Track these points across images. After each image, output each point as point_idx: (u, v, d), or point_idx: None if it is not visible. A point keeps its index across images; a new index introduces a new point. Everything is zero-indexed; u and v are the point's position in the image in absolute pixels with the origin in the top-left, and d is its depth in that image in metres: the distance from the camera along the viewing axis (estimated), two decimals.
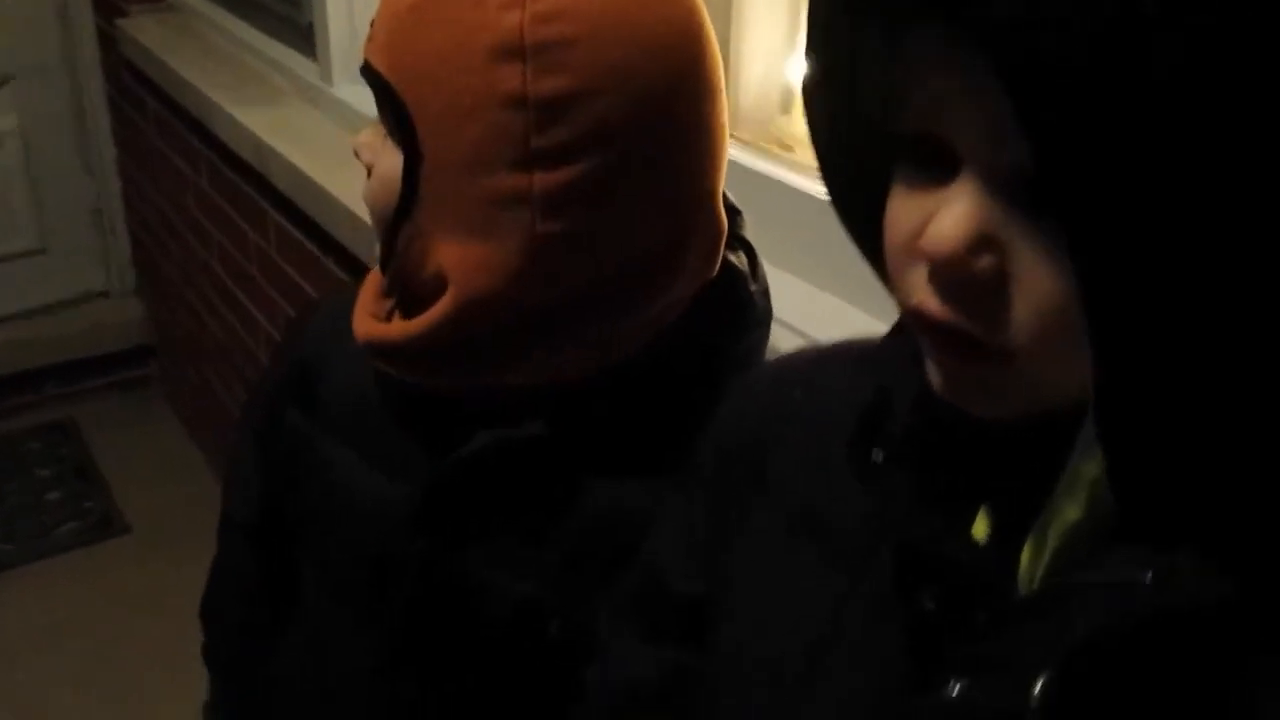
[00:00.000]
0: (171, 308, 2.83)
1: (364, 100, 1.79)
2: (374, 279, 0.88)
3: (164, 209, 2.66)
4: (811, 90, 0.57)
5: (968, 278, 0.47)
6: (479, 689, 0.90)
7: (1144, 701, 0.48)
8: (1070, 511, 0.50)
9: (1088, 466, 0.49)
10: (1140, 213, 0.41)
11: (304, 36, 1.95)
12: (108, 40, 2.71)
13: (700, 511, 0.74)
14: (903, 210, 0.52)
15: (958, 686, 0.51)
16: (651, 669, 0.76)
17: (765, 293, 0.89)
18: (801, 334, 1.05)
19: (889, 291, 0.56)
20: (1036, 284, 0.47)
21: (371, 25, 0.81)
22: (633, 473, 0.84)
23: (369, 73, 0.79)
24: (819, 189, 1.13)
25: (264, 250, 2.05)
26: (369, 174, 0.83)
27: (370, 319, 0.85)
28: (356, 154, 0.84)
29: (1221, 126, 0.40)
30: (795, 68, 1.30)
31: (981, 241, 0.47)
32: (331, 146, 1.75)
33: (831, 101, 0.57)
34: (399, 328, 0.83)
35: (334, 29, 1.82)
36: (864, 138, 0.56)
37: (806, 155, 1.22)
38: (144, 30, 2.41)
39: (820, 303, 1.13)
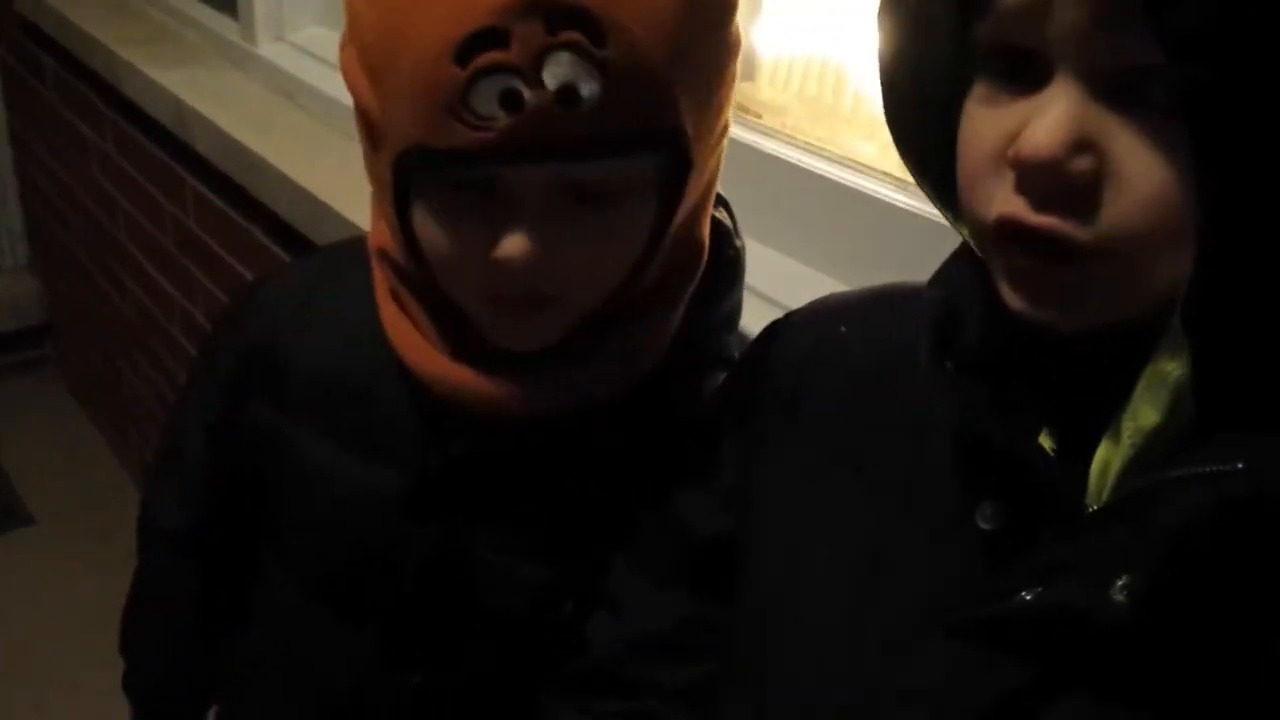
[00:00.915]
0: (71, 284, 2.67)
1: (290, 61, 1.72)
2: (416, 316, 0.78)
3: (63, 178, 2.51)
4: (883, 12, 0.57)
5: (1065, 180, 0.48)
6: (489, 676, 0.86)
7: (1236, 592, 0.49)
8: (1147, 415, 0.49)
9: (1169, 367, 0.48)
10: (1263, 105, 0.42)
11: None
12: None
13: (729, 454, 0.73)
14: (984, 122, 0.52)
15: (1030, 595, 0.52)
16: (667, 619, 0.75)
17: (743, 250, 0.86)
18: (769, 300, 1.03)
19: (949, 219, 0.56)
20: (1137, 182, 0.47)
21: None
22: (637, 449, 0.81)
23: (624, 141, 0.66)
24: (789, 154, 1.11)
25: (181, 221, 1.93)
26: (535, 268, 0.68)
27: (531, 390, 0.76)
28: (511, 266, 0.67)
29: None
30: (759, 33, 1.26)
31: (1081, 142, 0.47)
32: (258, 109, 1.65)
33: (906, 22, 0.57)
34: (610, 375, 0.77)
35: None
36: (936, 56, 0.56)
37: (773, 121, 1.18)
38: None
39: (787, 269, 1.10)
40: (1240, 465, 0.46)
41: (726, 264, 0.83)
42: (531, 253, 0.66)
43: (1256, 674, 0.49)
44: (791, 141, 1.14)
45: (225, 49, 1.82)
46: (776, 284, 1.05)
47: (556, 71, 0.61)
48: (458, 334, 0.76)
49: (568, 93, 0.61)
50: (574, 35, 0.60)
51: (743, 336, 0.89)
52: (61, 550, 2.35)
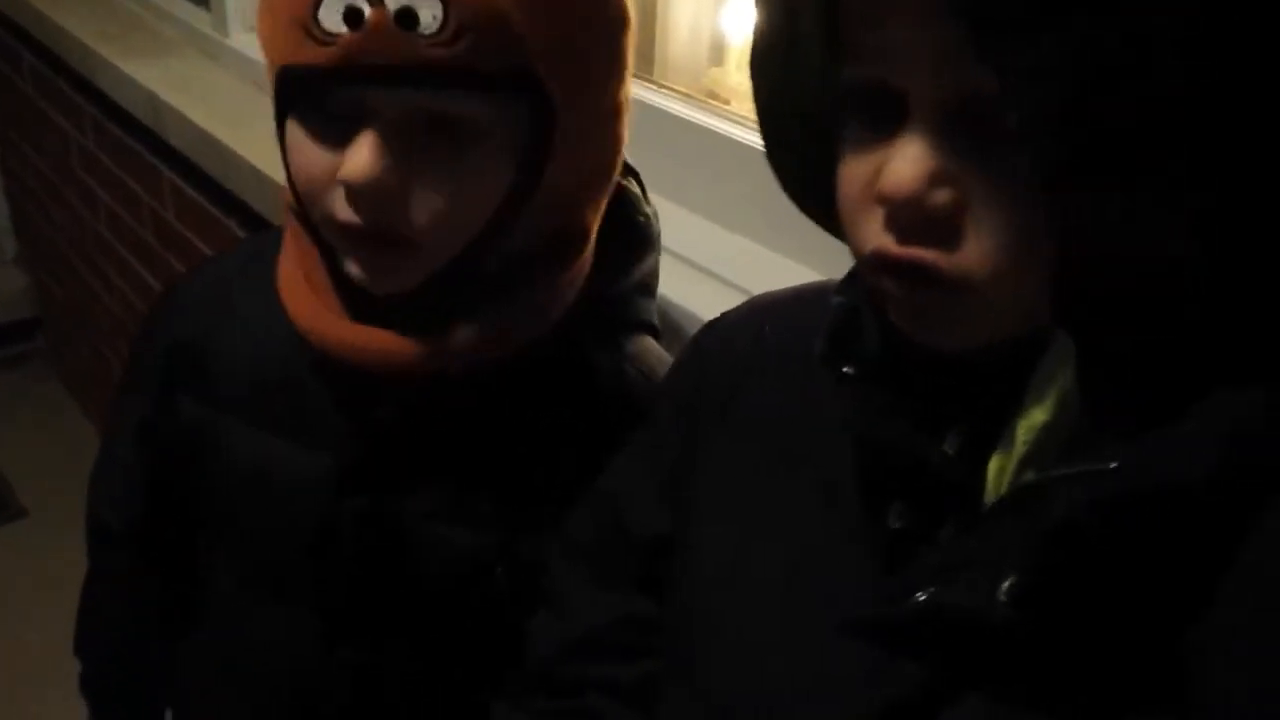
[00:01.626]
0: (58, 277, 2.68)
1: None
2: (315, 278, 0.79)
3: (45, 172, 2.51)
4: (756, 59, 0.59)
5: (926, 214, 0.50)
6: (430, 645, 0.87)
7: (1123, 588, 0.50)
8: (1037, 415, 0.52)
9: (1056, 369, 0.51)
10: (1103, 133, 0.43)
11: None
12: None
13: (664, 453, 0.74)
14: (855, 164, 0.54)
15: (924, 595, 0.53)
16: (608, 618, 0.76)
17: (655, 216, 0.87)
18: (736, 287, 1.04)
19: (850, 247, 0.57)
20: (993, 213, 0.49)
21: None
22: (556, 412, 0.82)
23: (468, 75, 0.67)
24: (753, 140, 1.12)
25: (159, 213, 1.93)
26: (373, 200, 0.69)
27: (380, 334, 0.76)
28: (360, 189, 0.69)
29: (1181, 39, 0.41)
30: (728, 18, 1.26)
31: (937, 176, 0.49)
32: (231, 101, 1.65)
33: (776, 68, 0.59)
34: (472, 336, 0.76)
35: None
36: (808, 100, 0.58)
37: (742, 108, 1.18)
38: None
39: (753, 254, 1.11)
40: (1114, 464, 0.47)
41: (636, 229, 0.85)
42: (373, 171, 0.67)
43: (1140, 671, 0.50)
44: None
45: (198, 41, 1.82)
46: (742, 270, 1.06)
47: None
48: (349, 293, 0.77)
49: (406, 13, 0.63)
50: None
51: (668, 305, 0.93)
52: (54, 543, 2.33)
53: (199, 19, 1.83)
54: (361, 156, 0.67)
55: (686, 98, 1.21)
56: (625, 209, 0.84)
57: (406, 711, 0.88)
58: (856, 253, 0.55)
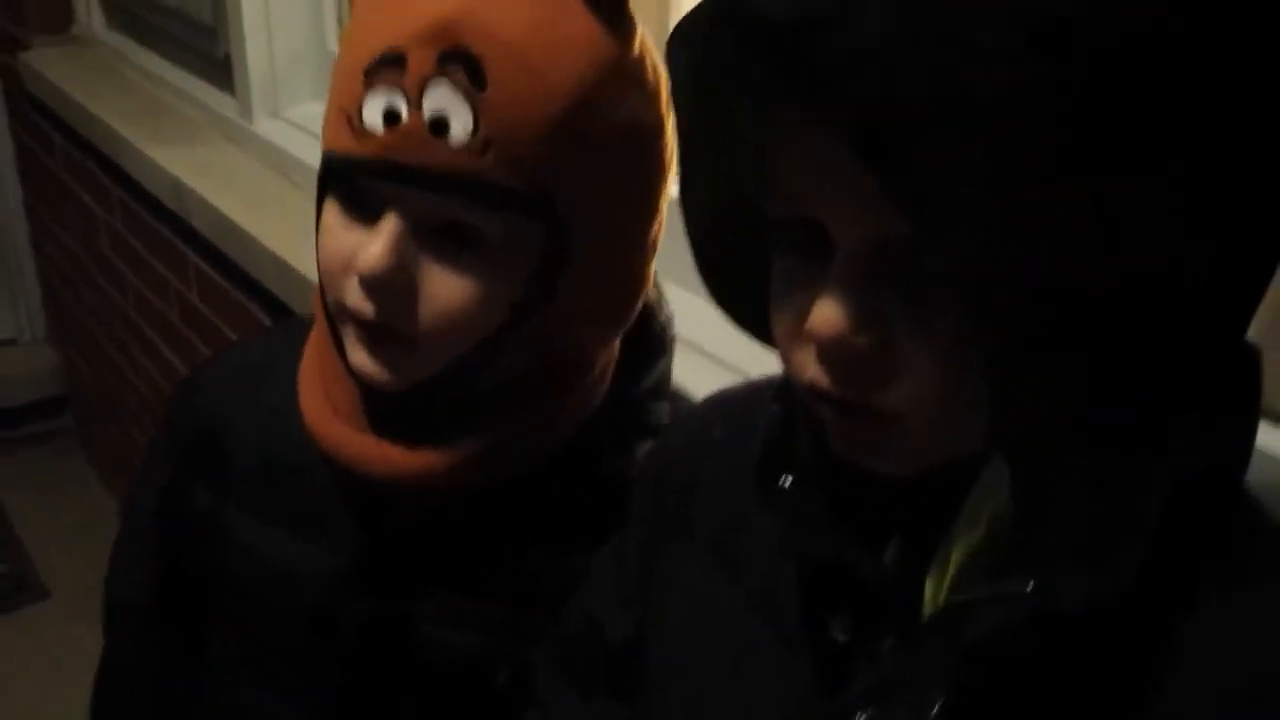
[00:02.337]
0: (86, 356, 2.69)
1: (285, 137, 1.73)
2: (338, 382, 0.80)
3: (75, 252, 2.53)
4: (687, 181, 0.60)
5: (854, 355, 0.50)
6: None
7: (1045, 703, 0.51)
8: (971, 536, 0.53)
9: (989, 497, 0.52)
10: (1018, 265, 0.44)
11: (220, 69, 1.85)
12: (10, 74, 2.57)
13: (631, 554, 0.76)
14: (785, 297, 0.55)
15: (862, 715, 0.53)
16: None
17: (671, 320, 0.89)
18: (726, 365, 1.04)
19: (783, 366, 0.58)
20: (918, 351, 0.49)
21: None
22: (566, 521, 0.83)
23: (489, 188, 0.68)
24: None
25: (184, 296, 1.94)
26: (382, 292, 0.71)
27: (373, 441, 0.78)
28: (371, 279, 0.70)
29: (1085, 188, 0.43)
30: None
31: (861, 319, 0.50)
32: (254, 186, 1.65)
33: (706, 193, 0.60)
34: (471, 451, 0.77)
35: (253, 62, 1.73)
36: (741, 225, 0.59)
37: None
38: (49, 64, 2.29)
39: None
40: (1030, 587, 0.48)
41: (654, 337, 0.86)
42: (385, 263, 0.69)
43: None
44: None
45: (223, 125, 1.84)
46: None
47: (434, 100, 0.66)
48: (362, 394, 0.78)
49: (439, 121, 0.66)
50: (457, 73, 0.66)
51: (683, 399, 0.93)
52: (76, 623, 2.34)
53: (224, 104, 1.85)
54: (376, 248, 0.69)
55: None
56: (644, 315, 0.85)
57: None
58: (793, 378, 0.56)
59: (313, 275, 1.42)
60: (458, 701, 0.84)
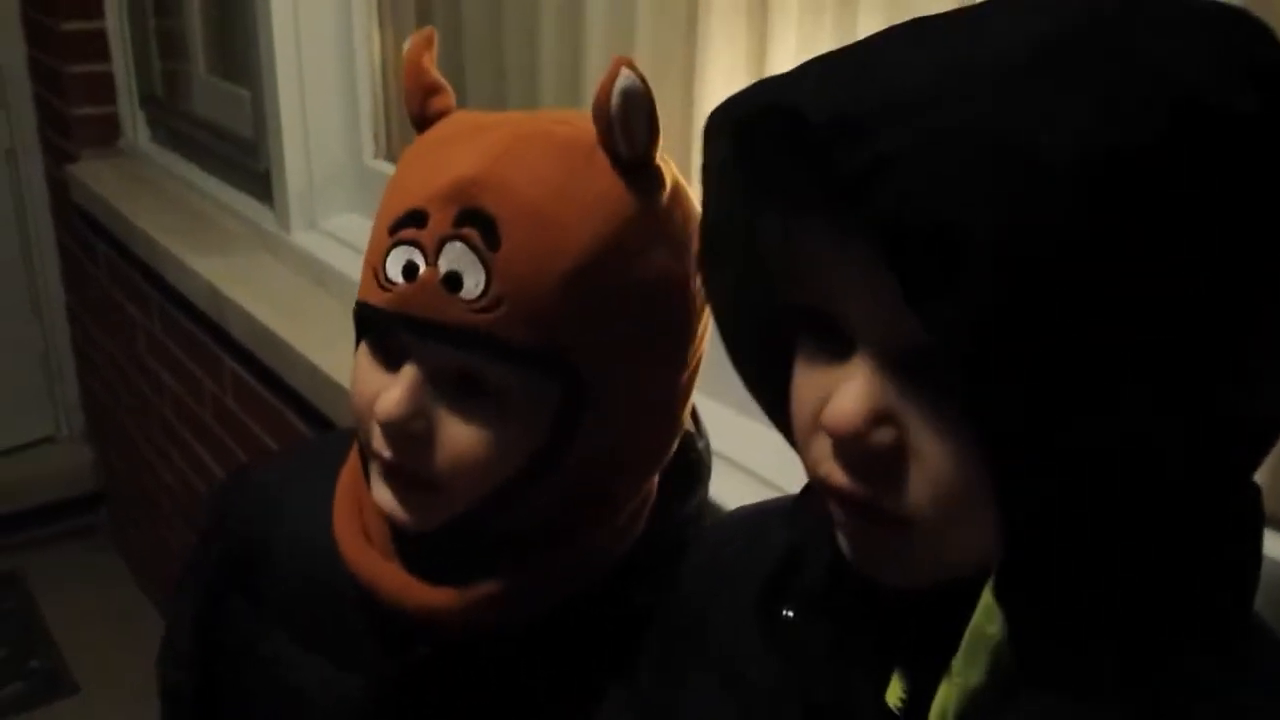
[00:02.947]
0: (122, 455, 2.75)
1: (321, 248, 1.79)
2: (371, 510, 0.81)
3: (114, 354, 2.61)
4: (711, 265, 0.61)
5: (868, 451, 0.50)
6: None
7: None
8: (971, 676, 0.51)
9: (989, 629, 0.50)
10: (1032, 380, 0.44)
11: (260, 183, 1.93)
12: (59, 185, 2.68)
13: (647, 681, 0.75)
14: (805, 386, 0.55)
15: None
16: None
17: (708, 448, 0.89)
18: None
19: (800, 458, 0.57)
20: (934, 454, 0.49)
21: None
22: (595, 657, 0.81)
23: (500, 343, 0.70)
24: None
25: (220, 399, 1.99)
26: (400, 437, 0.73)
27: (411, 582, 0.79)
28: (388, 424, 0.72)
29: (1104, 311, 0.43)
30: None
31: (879, 417, 0.50)
32: (289, 295, 1.72)
33: (731, 278, 0.60)
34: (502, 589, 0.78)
35: (291, 175, 1.80)
36: (764, 311, 0.59)
37: None
38: (95, 176, 2.39)
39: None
40: None
41: (688, 468, 0.86)
42: (402, 411, 0.71)
43: None
44: None
45: (261, 236, 1.91)
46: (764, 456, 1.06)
47: (449, 258, 0.69)
48: (394, 530, 0.79)
49: (453, 277, 0.69)
50: (471, 233, 0.68)
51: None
52: (106, 719, 2.36)
53: (263, 216, 1.92)
54: (393, 395, 0.71)
55: None
56: (681, 445, 0.84)
57: None
58: (808, 472, 0.55)
59: (345, 381, 1.47)
60: None
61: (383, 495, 0.76)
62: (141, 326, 2.33)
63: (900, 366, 0.50)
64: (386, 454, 0.73)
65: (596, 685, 0.80)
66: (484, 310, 0.69)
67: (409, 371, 0.72)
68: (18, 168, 2.84)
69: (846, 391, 0.50)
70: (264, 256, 1.88)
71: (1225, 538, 0.50)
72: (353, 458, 0.85)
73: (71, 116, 2.49)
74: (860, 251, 0.48)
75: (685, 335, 0.77)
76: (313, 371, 1.50)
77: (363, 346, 0.77)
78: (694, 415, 0.87)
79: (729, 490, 0.99)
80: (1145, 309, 0.43)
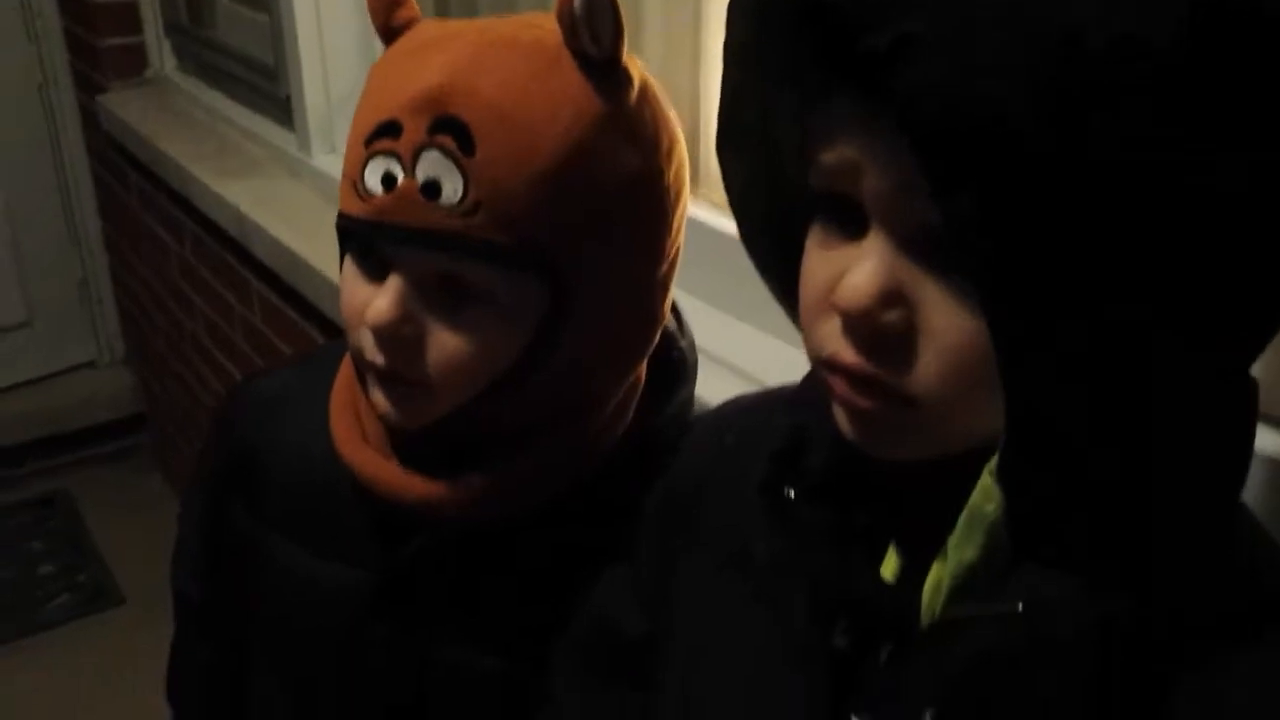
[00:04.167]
0: (160, 377, 2.84)
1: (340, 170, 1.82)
2: (367, 413, 0.83)
3: (149, 280, 2.68)
4: (726, 145, 0.60)
5: (878, 330, 0.50)
6: None
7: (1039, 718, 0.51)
8: (967, 551, 0.52)
9: (986, 507, 0.51)
10: (1043, 265, 0.44)
11: (282, 109, 1.98)
12: (90, 116, 2.74)
13: (644, 562, 0.76)
14: (817, 265, 0.54)
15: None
16: (596, 714, 0.78)
17: (692, 345, 0.91)
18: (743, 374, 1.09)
19: (804, 342, 0.57)
20: (943, 335, 0.49)
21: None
22: (587, 545, 0.84)
23: (480, 245, 0.72)
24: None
25: (249, 320, 2.06)
26: (391, 343, 0.75)
27: (405, 474, 0.81)
28: (379, 331, 0.74)
29: (1120, 195, 0.43)
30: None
31: (891, 296, 0.50)
32: (311, 217, 1.78)
33: (747, 158, 0.60)
34: (506, 481, 0.81)
35: (311, 101, 1.85)
36: (779, 192, 0.59)
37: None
38: (124, 105, 2.44)
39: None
40: (1020, 607, 0.48)
41: (672, 365, 0.88)
42: (390, 317, 0.73)
43: None
44: None
45: (284, 160, 1.97)
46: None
47: (426, 165, 0.70)
48: (390, 429, 0.82)
49: (431, 185, 0.70)
50: (446, 140, 0.70)
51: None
52: (149, 628, 2.41)
53: (285, 140, 1.97)
54: (382, 303, 0.73)
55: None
56: (662, 344, 0.86)
57: None
58: (812, 353, 0.56)
59: None
60: None
61: (377, 398, 0.79)
62: (174, 252, 2.40)
63: (914, 246, 0.49)
64: (380, 361, 0.75)
65: (590, 574, 0.84)
66: (464, 215, 0.70)
67: (395, 280, 0.74)
68: (50, 101, 2.90)
69: (859, 269, 0.50)
70: (287, 180, 1.93)
71: (1220, 426, 0.50)
72: (345, 365, 0.88)
73: (100, 48, 2.53)
74: (881, 131, 0.47)
75: (661, 228, 0.79)
76: (332, 288, 1.54)
77: (348, 260, 0.79)
78: (677, 314, 0.90)
79: (710, 386, 1.01)
80: (1161, 199, 0.43)
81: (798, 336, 0.59)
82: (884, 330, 0.50)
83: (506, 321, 0.75)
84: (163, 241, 2.45)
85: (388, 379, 0.77)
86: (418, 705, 0.88)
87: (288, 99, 1.93)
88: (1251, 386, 0.51)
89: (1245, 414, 0.51)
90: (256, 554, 0.93)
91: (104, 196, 2.92)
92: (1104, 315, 0.45)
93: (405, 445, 0.82)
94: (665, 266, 0.81)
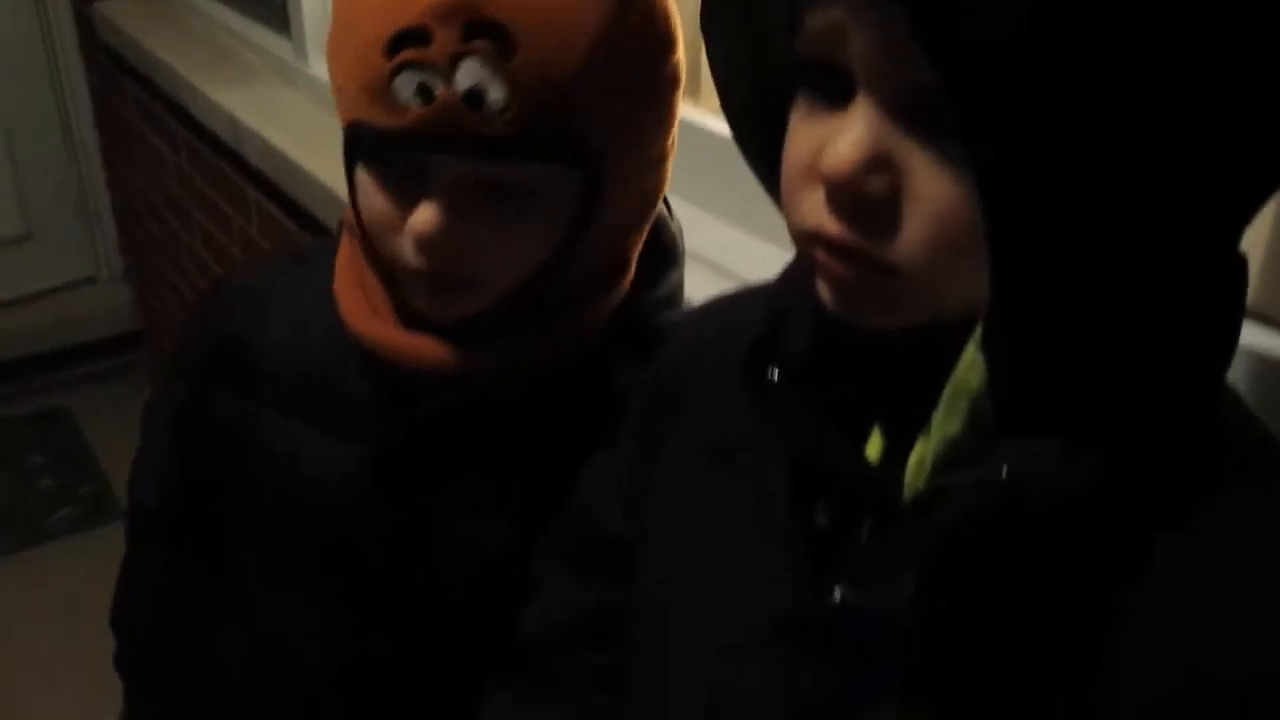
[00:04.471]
0: (159, 294, 2.83)
1: None
2: (376, 290, 0.83)
3: (146, 192, 2.66)
4: (711, 17, 0.59)
5: (864, 197, 0.50)
6: (463, 641, 0.90)
7: (1016, 591, 0.52)
8: (950, 425, 0.53)
9: (970, 380, 0.51)
10: (1034, 127, 0.44)
11: (278, 15, 1.94)
12: (85, 25, 2.70)
13: (627, 455, 0.77)
14: (802, 135, 0.54)
15: (839, 592, 0.55)
16: (576, 608, 0.79)
17: (680, 232, 0.91)
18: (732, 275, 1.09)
19: (785, 217, 0.57)
20: (929, 201, 0.49)
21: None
22: (582, 419, 0.85)
23: (524, 146, 0.71)
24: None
25: (245, 230, 2.05)
26: (435, 249, 0.75)
27: (438, 345, 0.81)
28: (425, 241, 0.74)
29: (1112, 48, 0.43)
30: None
31: (877, 161, 0.49)
32: (307, 124, 1.75)
33: (732, 29, 0.59)
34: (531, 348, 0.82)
35: (307, 6, 1.81)
36: (764, 64, 0.58)
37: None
38: (120, 13, 2.40)
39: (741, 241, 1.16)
40: (1004, 474, 0.49)
41: (664, 248, 0.89)
42: (438, 228, 0.73)
43: (1046, 673, 0.51)
44: None
45: (280, 68, 1.94)
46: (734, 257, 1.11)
47: (467, 74, 0.68)
48: (404, 303, 0.81)
49: (474, 95, 0.68)
50: (484, 45, 0.68)
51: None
52: None
53: (281, 48, 1.94)
54: (429, 214, 0.73)
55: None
56: (655, 228, 0.87)
57: (433, 698, 0.92)
58: (794, 227, 0.55)
59: None
60: (484, 595, 0.88)
61: (420, 301, 0.79)
62: (170, 163, 2.37)
63: (901, 111, 0.49)
64: (423, 266, 0.75)
65: (581, 455, 0.84)
66: (509, 121, 0.69)
67: (437, 188, 0.73)
68: (46, 11, 2.86)
69: (845, 135, 0.50)
70: (283, 88, 1.91)
71: (1206, 300, 0.50)
72: (344, 251, 0.87)
73: None
74: None
75: (674, 97, 0.79)
76: (328, 195, 1.54)
77: (366, 170, 0.77)
78: (666, 203, 0.90)
79: (698, 287, 1.01)
80: (1155, 55, 0.43)
81: (786, 239, 0.58)
82: (869, 197, 0.50)
83: (546, 210, 0.75)
84: (159, 152, 2.43)
85: (433, 281, 0.77)
86: (423, 577, 0.89)
87: (284, 5, 1.89)
88: (1240, 261, 0.51)
89: (1234, 286, 0.51)
90: (251, 440, 0.92)
91: (100, 108, 2.89)
92: (1093, 179, 0.44)
93: (417, 319, 0.82)
94: (674, 127, 0.82)
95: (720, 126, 1.20)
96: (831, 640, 0.56)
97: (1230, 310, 0.51)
